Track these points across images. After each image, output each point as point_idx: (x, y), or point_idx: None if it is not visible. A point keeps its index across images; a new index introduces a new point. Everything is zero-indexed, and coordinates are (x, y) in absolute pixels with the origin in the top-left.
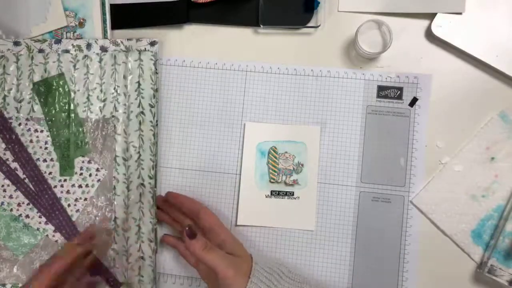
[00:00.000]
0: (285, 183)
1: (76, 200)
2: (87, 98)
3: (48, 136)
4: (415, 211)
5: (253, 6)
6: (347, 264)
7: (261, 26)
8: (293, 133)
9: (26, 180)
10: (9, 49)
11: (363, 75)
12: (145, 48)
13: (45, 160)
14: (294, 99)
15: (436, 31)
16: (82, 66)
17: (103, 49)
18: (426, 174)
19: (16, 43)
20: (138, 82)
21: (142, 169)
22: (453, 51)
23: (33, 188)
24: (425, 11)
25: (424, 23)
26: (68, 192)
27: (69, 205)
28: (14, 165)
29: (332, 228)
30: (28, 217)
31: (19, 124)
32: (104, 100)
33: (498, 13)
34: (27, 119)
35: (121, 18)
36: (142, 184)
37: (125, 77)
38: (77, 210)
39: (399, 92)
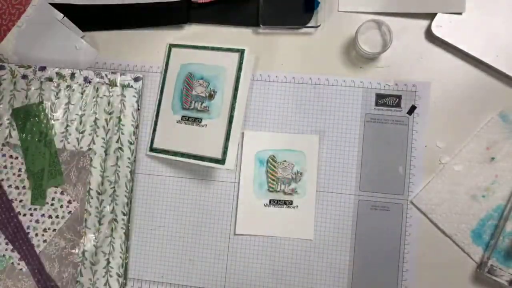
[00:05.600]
0: (284, 192)
1: (44, 230)
2: (66, 128)
3: (22, 163)
4: (415, 211)
5: (253, 6)
6: (346, 272)
7: (261, 26)
8: (292, 141)
9: None
10: None
11: (362, 83)
12: (128, 84)
13: (17, 187)
14: (292, 107)
15: (436, 31)
16: (64, 96)
17: (87, 80)
18: (425, 180)
19: (0, 67)
20: (119, 117)
21: (116, 204)
22: (453, 51)
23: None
24: (425, 11)
25: (424, 23)
26: (37, 221)
27: (36, 235)
28: None
29: (331, 237)
30: None
31: None
32: (83, 132)
33: (498, 13)
34: (3, 144)
35: (122, 18)
36: (115, 220)
37: (105, 111)
38: (45, 241)
39: (397, 100)
